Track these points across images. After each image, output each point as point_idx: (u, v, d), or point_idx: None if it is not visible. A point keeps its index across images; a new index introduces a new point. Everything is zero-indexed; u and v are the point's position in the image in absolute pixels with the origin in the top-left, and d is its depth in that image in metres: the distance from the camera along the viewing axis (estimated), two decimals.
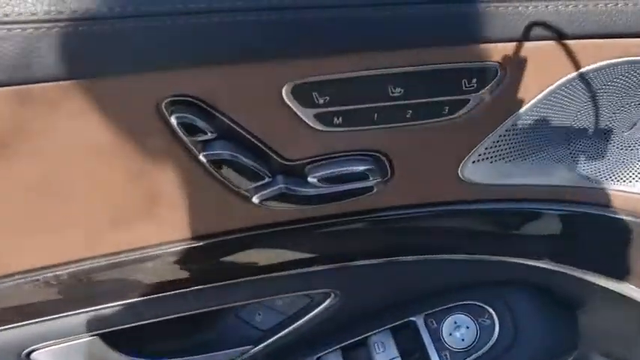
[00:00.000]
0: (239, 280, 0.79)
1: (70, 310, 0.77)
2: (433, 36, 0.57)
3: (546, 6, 0.58)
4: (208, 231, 0.72)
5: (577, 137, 0.72)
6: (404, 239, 0.80)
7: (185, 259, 0.74)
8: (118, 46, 0.52)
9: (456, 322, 0.92)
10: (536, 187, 0.75)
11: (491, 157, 0.70)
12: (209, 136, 0.59)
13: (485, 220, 0.79)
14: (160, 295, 0.78)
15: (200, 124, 0.58)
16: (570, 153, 0.73)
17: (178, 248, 0.72)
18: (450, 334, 0.91)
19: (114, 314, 0.80)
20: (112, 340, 0.84)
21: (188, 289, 0.79)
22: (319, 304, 0.87)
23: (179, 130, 0.58)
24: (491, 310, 0.91)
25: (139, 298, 0.78)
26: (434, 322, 0.92)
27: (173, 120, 0.57)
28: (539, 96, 0.65)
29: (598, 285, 0.84)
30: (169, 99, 0.56)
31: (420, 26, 0.56)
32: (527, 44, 0.60)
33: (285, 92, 0.58)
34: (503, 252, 0.83)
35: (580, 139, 0.72)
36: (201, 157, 0.61)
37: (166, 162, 0.63)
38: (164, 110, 0.57)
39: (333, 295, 0.86)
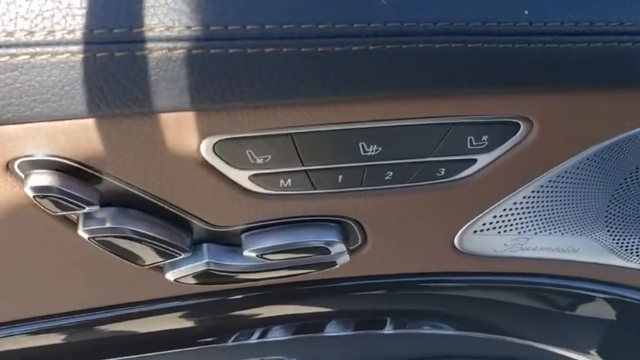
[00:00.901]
0: (170, 351, 0.62)
1: None
2: (427, 83, 0.37)
3: (603, 42, 0.38)
4: (120, 301, 0.55)
5: (619, 208, 0.52)
6: (380, 311, 0.62)
7: (99, 329, 0.59)
8: None
9: None
10: (557, 262, 0.56)
11: (501, 227, 0.51)
12: (87, 209, 0.40)
13: (485, 294, 0.60)
14: None
15: (71, 195, 0.38)
16: (607, 227, 0.53)
17: (90, 318, 0.57)
18: None
19: None
20: None
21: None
22: None
23: (39, 204, 0.39)
24: None
25: None
26: None
27: (27, 190, 0.37)
28: (577, 158, 0.46)
29: None
30: (23, 159, 0.37)
31: (409, 68, 0.36)
32: (568, 94, 0.40)
33: (204, 149, 0.39)
34: (504, 331, 0.65)
35: (622, 211, 0.53)
36: (81, 233, 0.42)
37: (42, 233, 0.45)
38: (18, 172, 0.38)
39: None
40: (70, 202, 0.39)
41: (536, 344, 0.66)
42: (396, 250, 0.53)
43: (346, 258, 0.52)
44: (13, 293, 0.51)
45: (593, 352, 0.66)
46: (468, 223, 0.51)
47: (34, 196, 0.38)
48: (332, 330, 0.63)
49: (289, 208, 0.47)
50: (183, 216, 0.45)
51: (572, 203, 0.51)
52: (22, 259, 0.47)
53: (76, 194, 0.39)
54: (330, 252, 0.49)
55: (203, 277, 0.49)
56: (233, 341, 0.63)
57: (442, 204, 0.48)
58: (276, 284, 0.55)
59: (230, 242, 0.49)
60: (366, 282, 0.57)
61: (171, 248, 0.45)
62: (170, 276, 0.49)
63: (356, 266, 0.54)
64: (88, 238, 0.42)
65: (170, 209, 0.44)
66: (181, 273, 0.49)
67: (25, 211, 0.41)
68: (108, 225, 0.42)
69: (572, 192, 0.49)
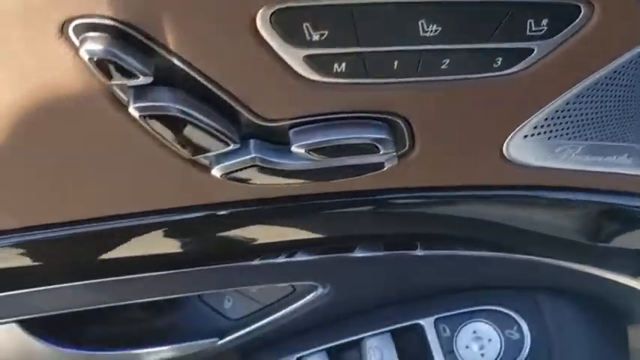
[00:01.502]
0: (202, 267, 0.61)
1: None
2: None
3: None
4: (158, 206, 0.55)
5: None
6: (419, 230, 0.61)
7: (134, 238, 0.58)
8: None
9: (475, 332, 0.74)
10: (608, 176, 0.55)
11: (551, 131, 0.50)
12: (141, 80, 0.39)
13: (530, 211, 0.59)
14: (113, 278, 0.62)
15: (127, 61, 0.38)
16: None
17: (123, 224, 0.56)
18: (467, 347, 0.73)
19: (69, 296, 0.65)
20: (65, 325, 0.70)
21: (141, 275, 0.62)
22: (303, 296, 0.69)
23: (93, 69, 0.38)
24: (521, 321, 0.72)
25: (86, 281, 0.62)
26: (447, 328, 0.73)
27: (83, 53, 0.37)
28: (634, 52, 0.44)
29: None
30: (78, 21, 0.36)
31: None
32: None
33: (260, 21, 0.38)
34: (547, 253, 0.63)
35: None
36: (132, 110, 0.41)
37: (90, 112, 0.44)
38: (72, 37, 0.37)
39: (321, 287, 0.67)
40: (126, 71, 0.38)
41: (581, 267, 0.65)
42: (443, 156, 0.52)
43: (394, 160, 0.51)
44: (49, 188, 0.50)
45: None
46: (519, 126, 0.50)
47: (88, 59, 0.37)
48: (366, 251, 0.62)
49: (340, 101, 0.46)
50: (232, 104, 0.44)
51: (626, 106, 0.49)
52: (66, 141, 0.46)
53: (132, 62, 0.38)
54: (380, 151, 0.48)
55: (248, 175, 0.49)
56: (253, 259, 0.62)
57: (495, 102, 0.47)
58: (317, 194, 0.55)
59: (277, 140, 0.48)
60: (411, 194, 0.56)
61: (221, 136, 0.44)
62: (216, 172, 0.48)
63: (401, 175, 0.53)
64: (139, 116, 0.41)
65: (219, 94, 0.43)
66: (228, 168, 0.48)
67: (76, 84, 0.40)
68: (161, 103, 0.41)
69: (627, 93, 0.48)
